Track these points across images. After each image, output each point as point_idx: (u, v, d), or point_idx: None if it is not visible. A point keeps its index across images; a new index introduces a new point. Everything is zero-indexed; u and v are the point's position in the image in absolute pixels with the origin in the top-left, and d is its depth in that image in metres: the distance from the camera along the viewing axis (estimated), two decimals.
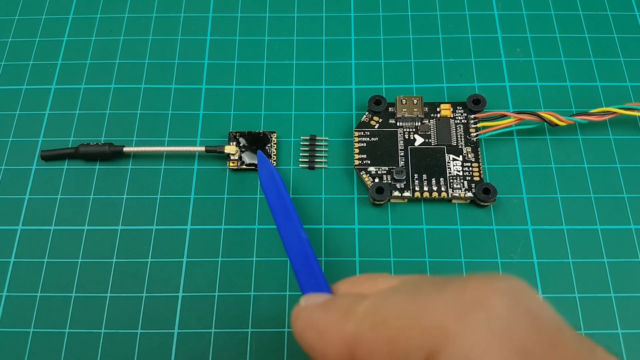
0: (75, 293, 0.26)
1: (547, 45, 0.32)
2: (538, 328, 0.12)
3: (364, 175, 0.28)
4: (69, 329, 0.26)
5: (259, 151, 0.26)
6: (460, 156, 0.28)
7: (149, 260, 0.27)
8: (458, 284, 0.13)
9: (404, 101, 0.29)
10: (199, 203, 0.28)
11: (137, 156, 0.29)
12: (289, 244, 0.20)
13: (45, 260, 0.27)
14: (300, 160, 0.29)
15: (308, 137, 0.30)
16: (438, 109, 0.30)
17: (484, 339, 0.12)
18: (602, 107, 0.29)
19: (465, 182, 0.28)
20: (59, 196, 0.28)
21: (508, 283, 0.13)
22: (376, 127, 0.29)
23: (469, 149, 0.28)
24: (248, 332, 0.25)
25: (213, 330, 0.25)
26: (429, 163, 0.28)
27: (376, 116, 0.30)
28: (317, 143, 0.29)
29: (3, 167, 0.29)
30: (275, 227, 0.27)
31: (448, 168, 0.28)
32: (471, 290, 0.13)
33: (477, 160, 0.28)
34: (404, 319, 0.13)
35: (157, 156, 0.29)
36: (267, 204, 0.27)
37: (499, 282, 0.13)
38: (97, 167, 0.29)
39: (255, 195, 0.28)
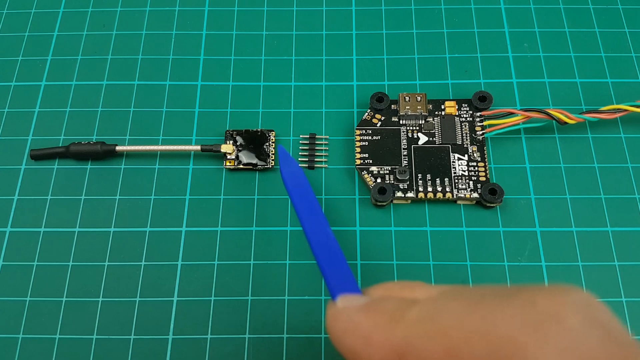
0: (66, 297, 0.26)
1: (555, 40, 0.32)
2: (611, 343, 0.12)
3: (366, 175, 0.28)
4: (59, 334, 0.25)
5: (280, 146, 0.26)
6: (466, 155, 0.28)
7: (143, 263, 0.27)
8: (526, 294, 0.13)
9: (407, 98, 0.29)
10: (195, 204, 0.28)
11: (130, 155, 0.29)
12: (316, 243, 0.19)
13: (35, 263, 0.27)
14: (299, 159, 0.29)
15: (307, 136, 0.30)
16: (443, 107, 0.30)
17: (557, 351, 0.12)
18: (613, 104, 0.29)
19: (471, 183, 0.28)
20: (49, 197, 0.28)
21: (580, 296, 0.13)
22: (378, 125, 0.29)
23: (475, 148, 0.28)
24: (245, 338, 0.25)
25: (209, 336, 0.25)
26: (433, 163, 0.28)
27: (378, 114, 0.30)
28: (317, 142, 0.29)
29: None
30: (273, 228, 0.27)
31: (453, 168, 0.28)
32: (543, 302, 0.13)
33: (483, 160, 0.28)
34: (467, 328, 0.13)
35: (150, 155, 0.29)
36: (289, 203, 0.27)
37: (570, 294, 0.13)
38: (89, 166, 0.29)
39: (253, 196, 0.28)
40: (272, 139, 0.29)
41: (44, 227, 0.28)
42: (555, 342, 0.12)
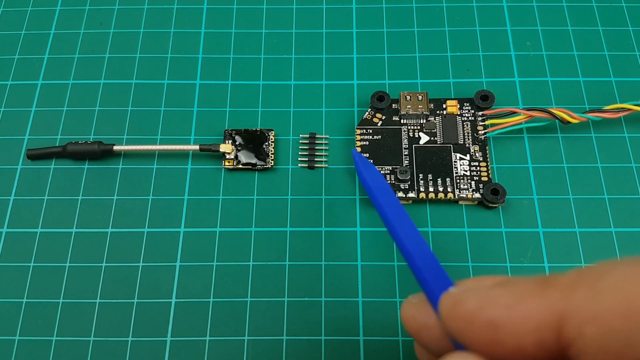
0: (63, 299, 0.26)
1: (558, 39, 0.32)
2: None
3: None
4: (56, 336, 0.25)
5: (354, 150, 0.26)
6: (468, 155, 0.28)
7: (141, 264, 0.27)
8: None
9: (408, 97, 0.29)
10: (193, 204, 0.28)
11: (127, 155, 0.29)
12: (408, 242, 0.19)
13: (32, 264, 0.27)
14: (299, 159, 0.29)
15: (307, 135, 0.30)
16: (444, 106, 0.30)
17: None
18: (617, 103, 0.29)
19: (473, 183, 0.28)
20: (46, 197, 0.28)
21: None
22: (379, 124, 0.29)
23: (477, 148, 0.28)
24: (244, 340, 0.25)
25: (207, 338, 0.25)
26: (434, 162, 0.28)
27: (379, 113, 0.30)
28: (317, 141, 0.29)
29: None
30: (273, 229, 0.27)
31: (455, 168, 0.28)
32: None
33: (485, 160, 0.28)
34: None
35: (148, 155, 0.29)
36: (367, 202, 0.26)
37: None
38: (86, 166, 0.29)
39: (252, 196, 0.28)
40: (272, 139, 0.29)
41: (41, 228, 0.28)
42: None
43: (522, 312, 0.14)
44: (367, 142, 0.29)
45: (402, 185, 0.28)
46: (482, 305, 0.15)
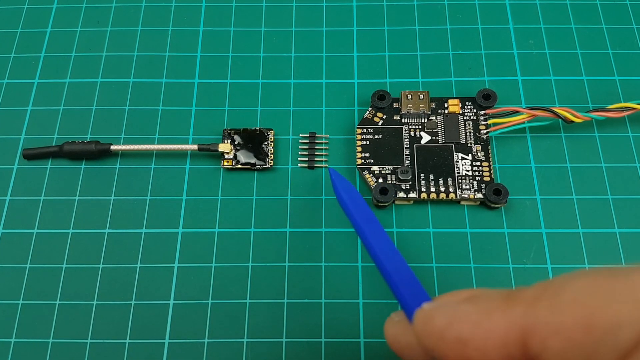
0: (60, 301, 0.26)
1: (561, 37, 0.32)
2: None
3: (367, 175, 0.28)
4: (52, 339, 0.25)
5: (331, 168, 0.27)
6: (470, 155, 0.28)
7: (138, 265, 0.27)
8: None
9: (409, 96, 0.29)
10: (191, 205, 0.28)
11: (125, 155, 0.29)
12: (384, 257, 0.20)
13: (28, 265, 0.27)
14: (299, 159, 0.29)
15: (307, 135, 0.30)
16: (446, 105, 0.30)
17: None
18: (621, 102, 0.29)
19: (475, 183, 0.28)
20: (42, 197, 0.28)
21: None
22: (380, 123, 0.29)
23: (479, 147, 0.28)
24: (243, 342, 0.25)
25: (206, 340, 0.25)
26: (436, 162, 0.28)
27: (380, 112, 0.30)
28: (317, 141, 0.29)
29: None
30: (272, 229, 0.27)
31: (456, 167, 0.28)
32: None
33: (487, 159, 0.28)
34: (606, 295, 0.13)
35: (146, 155, 0.29)
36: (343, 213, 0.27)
37: None
38: (83, 166, 0.29)
39: (251, 196, 0.28)
40: (271, 138, 0.29)
41: (37, 229, 0.28)
42: None
43: (487, 327, 0.14)
44: (368, 142, 0.29)
45: (403, 186, 0.28)
46: (451, 321, 0.15)
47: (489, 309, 0.15)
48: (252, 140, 0.29)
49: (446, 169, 0.28)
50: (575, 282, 0.14)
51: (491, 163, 0.28)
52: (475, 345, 0.14)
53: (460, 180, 0.28)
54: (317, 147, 0.29)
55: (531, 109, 0.28)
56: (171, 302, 0.26)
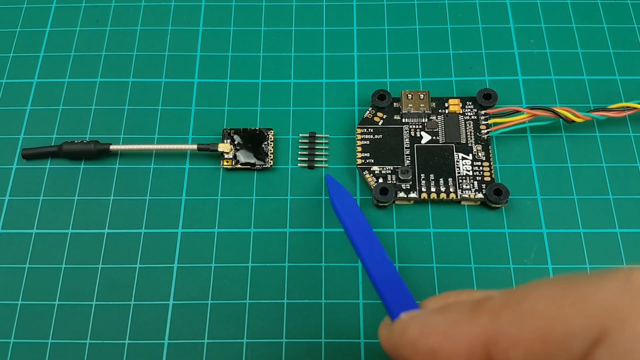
0: (59, 301, 0.26)
1: (562, 36, 0.32)
2: None
3: (367, 175, 0.28)
4: (52, 339, 0.25)
5: (328, 175, 0.27)
6: (470, 155, 0.28)
7: (138, 266, 0.27)
8: (621, 272, 0.14)
9: (409, 96, 0.29)
10: (191, 205, 0.28)
11: (124, 155, 0.29)
12: (373, 265, 0.20)
13: (27, 265, 0.27)
14: (299, 159, 0.29)
15: (307, 135, 0.30)
16: (446, 104, 0.30)
17: None
18: (622, 102, 0.29)
19: (476, 183, 0.28)
20: (41, 197, 0.28)
21: None
22: (380, 123, 0.29)
23: (480, 147, 0.28)
24: (243, 342, 0.25)
25: (206, 340, 0.25)
26: (436, 162, 0.28)
27: (380, 112, 0.30)
28: (317, 141, 0.29)
29: None
30: (272, 230, 0.27)
31: (457, 167, 0.28)
32: (639, 276, 0.13)
33: (487, 159, 0.28)
34: (561, 305, 0.13)
35: (145, 155, 0.29)
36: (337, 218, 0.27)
37: None
38: (82, 166, 0.29)
39: (251, 196, 0.28)
40: (271, 138, 0.29)
41: (36, 229, 0.28)
42: None
43: (454, 338, 0.15)
44: (368, 142, 0.29)
45: (403, 186, 0.28)
46: (422, 332, 0.15)
47: (458, 320, 0.15)
48: (252, 140, 0.29)
49: (446, 169, 0.28)
50: (536, 291, 0.14)
51: (492, 163, 0.28)
52: (443, 356, 0.15)
53: (460, 180, 0.28)
54: (317, 147, 0.29)
55: (532, 108, 0.28)
56: (171, 302, 0.26)
